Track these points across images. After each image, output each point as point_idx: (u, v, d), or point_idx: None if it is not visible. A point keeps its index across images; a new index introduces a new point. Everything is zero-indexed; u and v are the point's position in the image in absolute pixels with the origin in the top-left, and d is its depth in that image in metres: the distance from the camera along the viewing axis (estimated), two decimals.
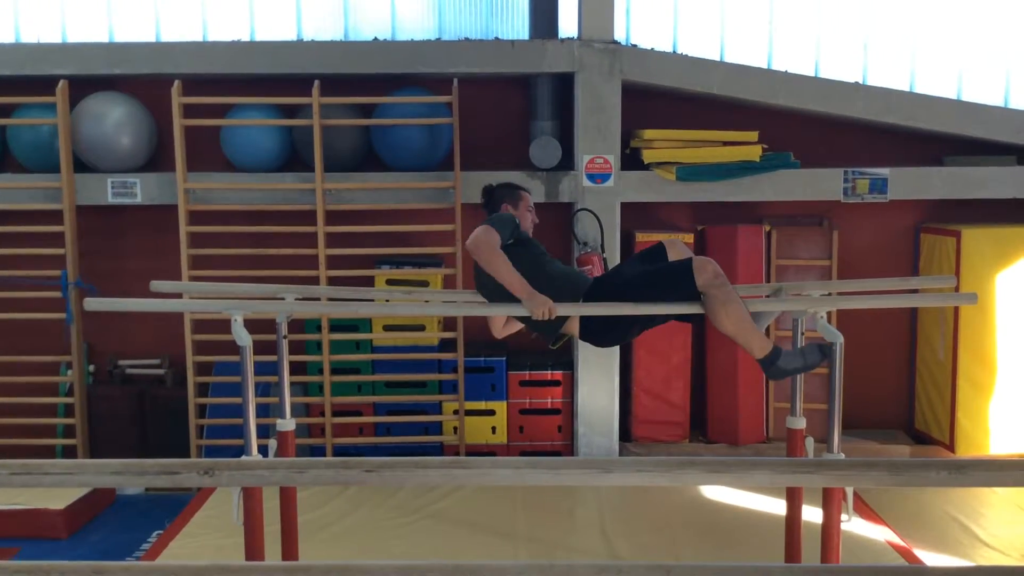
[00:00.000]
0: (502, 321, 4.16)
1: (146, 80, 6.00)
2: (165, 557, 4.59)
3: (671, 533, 4.92)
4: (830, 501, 3.71)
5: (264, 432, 5.01)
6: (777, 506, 4.80)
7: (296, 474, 2.13)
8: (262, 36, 6.22)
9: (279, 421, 4.12)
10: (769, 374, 3.79)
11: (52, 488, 5.09)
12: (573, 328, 3.90)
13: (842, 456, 3.70)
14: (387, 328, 6.01)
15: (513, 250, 3.80)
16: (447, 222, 5.89)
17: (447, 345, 6.08)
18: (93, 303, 3.80)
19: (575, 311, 3.90)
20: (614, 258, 5.80)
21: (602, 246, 5.81)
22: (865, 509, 5.07)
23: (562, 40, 5.91)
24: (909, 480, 2.00)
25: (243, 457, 3.64)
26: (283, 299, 4.02)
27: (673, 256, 4.00)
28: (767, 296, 5.17)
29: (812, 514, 3.99)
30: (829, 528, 3.74)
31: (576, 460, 2.09)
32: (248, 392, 3.71)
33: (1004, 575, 1.59)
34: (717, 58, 6.25)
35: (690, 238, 6.08)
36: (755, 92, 5.95)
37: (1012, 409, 5.98)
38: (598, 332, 3.93)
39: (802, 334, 4.14)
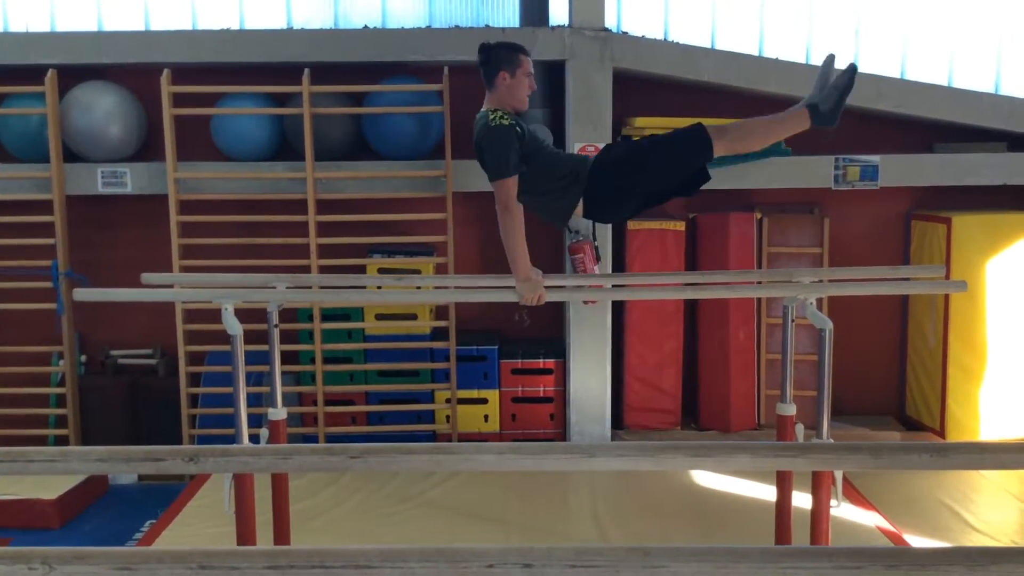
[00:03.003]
0: None
1: (135, 69, 5.98)
2: (157, 546, 4.60)
3: (663, 519, 4.94)
4: (819, 486, 3.73)
5: (257, 422, 5.02)
6: (768, 492, 4.82)
7: (281, 460, 2.13)
8: (252, 24, 6.20)
9: (271, 410, 4.13)
10: (826, 125, 3.73)
11: (45, 478, 5.11)
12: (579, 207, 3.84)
13: (830, 441, 3.71)
14: (379, 317, 6.02)
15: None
16: (438, 210, 5.89)
17: (439, 334, 6.09)
18: (83, 294, 3.80)
19: (566, 297, 3.91)
20: (605, 246, 5.80)
21: (593, 234, 5.79)
22: (855, 495, 5.09)
23: (553, 28, 5.90)
24: (891, 463, 2.01)
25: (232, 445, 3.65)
26: (274, 288, 4.02)
27: None
28: (757, 283, 5.21)
29: (803, 500, 4.02)
30: (818, 513, 3.76)
31: (559, 445, 2.10)
32: (239, 381, 3.71)
33: (985, 555, 1.60)
34: (708, 45, 6.24)
35: (681, 226, 6.08)
36: (746, 79, 5.94)
37: (1002, 396, 6.00)
38: (602, 207, 3.86)
39: (792, 321, 4.16)
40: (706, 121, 3.91)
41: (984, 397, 6.00)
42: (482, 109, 3.91)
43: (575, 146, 5.79)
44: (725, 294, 5.69)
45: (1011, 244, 5.96)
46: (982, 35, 6.37)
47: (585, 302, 5.67)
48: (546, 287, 3.78)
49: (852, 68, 3.76)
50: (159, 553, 1.69)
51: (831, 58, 3.76)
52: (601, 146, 5.73)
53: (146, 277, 4.08)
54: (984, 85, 6.34)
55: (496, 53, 3.89)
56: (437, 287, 4.74)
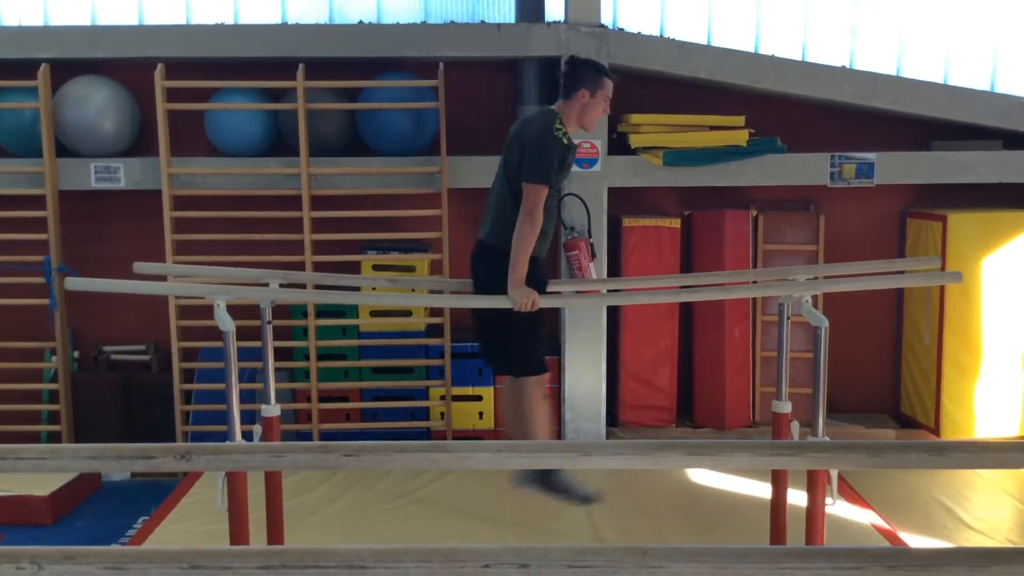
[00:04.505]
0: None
1: (129, 64, 5.95)
2: (149, 543, 4.58)
3: (658, 518, 4.92)
4: (814, 485, 3.72)
5: (250, 418, 4.99)
6: (763, 490, 4.81)
7: (274, 458, 2.12)
8: (246, 19, 6.17)
9: (264, 407, 4.10)
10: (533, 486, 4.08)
11: (37, 474, 5.08)
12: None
13: (826, 439, 3.70)
14: (374, 314, 5.99)
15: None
16: (433, 207, 5.86)
17: (434, 330, 6.07)
18: (74, 283, 3.78)
19: (561, 303, 3.94)
20: (600, 243, 5.79)
21: (589, 231, 5.76)
22: (850, 493, 5.09)
23: (549, 24, 5.88)
24: (889, 462, 2.00)
25: (225, 442, 3.63)
26: (267, 284, 3.99)
27: None
28: (753, 282, 5.20)
29: (798, 498, 4.01)
30: (813, 511, 3.75)
31: (556, 443, 2.09)
32: (231, 378, 3.69)
33: (986, 556, 1.59)
34: (704, 42, 6.22)
35: (677, 223, 6.07)
36: (742, 76, 5.93)
37: (997, 393, 6.00)
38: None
39: (788, 318, 4.14)
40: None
41: (979, 394, 6.00)
42: (549, 108, 3.93)
43: None
44: (722, 295, 5.68)
45: (1006, 242, 5.96)
46: (978, 33, 6.36)
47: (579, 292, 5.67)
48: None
49: (584, 500, 4.15)
50: (150, 553, 1.67)
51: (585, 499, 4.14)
52: (598, 144, 5.76)
53: (138, 267, 4.06)
54: (980, 83, 6.33)
55: (583, 69, 3.97)
56: (432, 291, 4.72)
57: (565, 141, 3.87)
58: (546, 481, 4.03)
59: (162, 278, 5.23)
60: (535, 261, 3.98)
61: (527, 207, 3.79)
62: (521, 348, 4.03)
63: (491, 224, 4.03)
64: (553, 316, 6.29)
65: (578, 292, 4.68)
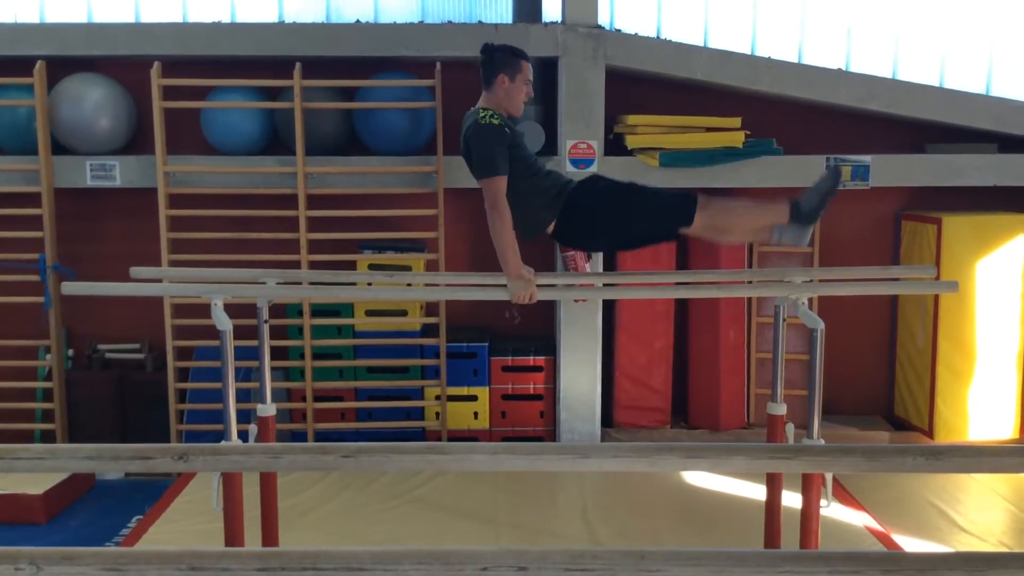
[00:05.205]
0: None
1: (125, 61, 5.94)
2: (144, 543, 4.58)
3: (652, 519, 4.93)
4: (809, 487, 3.74)
5: (245, 418, 4.99)
6: (758, 492, 4.82)
7: (272, 459, 2.11)
8: (243, 18, 6.16)
9: (259, 406, 4.10)
10: (803, 222, 3.75)
11: (31, 473, 5.06)
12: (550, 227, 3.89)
13: (821, 442, 3.71)
14: (369, 313, 5.99)
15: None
16: (430, 207, 5.86)
17: (429, 330, 6.07)
18: (70, 287, 3.77)
19: (558, 296, 3.88)
20: None
21: None
22: (844, 495, 5.10)
23: (546, 24, 5.89)
24: (885, 466, 2.00)
25: (221, 443, 3.62)
26: (264, 283, 3.99)
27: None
28: (748, 282, 5.21)
29: (792, 500, 4.02)
30: (808, 513, 3.76)
31: (554, 445, 2.09)
32: (228, 377, 3.69)
33: (983, 560, 1.60)
34: (701, 44, 6.23)
35: None
36: (738, 78, 5.94)
37: (991, 396, 6.02)
38: (573, 231, 3.91)
39: (783, 320, 4.16)
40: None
41: (972, 397, 6.01)
42: (474, 107, 3.91)
43: (567, 143, 5.78)
44: (717, 294, 5.70)
45: (1001, 245, 5.97)
46: (973, 36, 6.38)
47: (576, 300, 5.66)
48: (538, 285, 3.78)
49: (836, 172, 3.83)
50: (148, 554, 1.67)
51: (834, 171, 3.82)
52: (594, 145, 5.77)
53: (135, 271, 4.05)
54: (975, 86, 6.35)
55: (498, 55, 3.90)
56: (428, 284, 4.73)
57: (497, 121, 3.79)
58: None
59: (158, 281, 5.22)
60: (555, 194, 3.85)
61: (489, 201, 3.73)
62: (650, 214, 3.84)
63: (521, 215, 3.86)
64: (548, 316, 6.30)
65: (574, 285, 4.65)
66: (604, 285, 4.94)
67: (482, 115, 3.78)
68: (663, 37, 6.21)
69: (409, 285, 4.59)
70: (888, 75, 6.29)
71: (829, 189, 3.77)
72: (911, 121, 6.14)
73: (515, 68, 3.90)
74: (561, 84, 5.81)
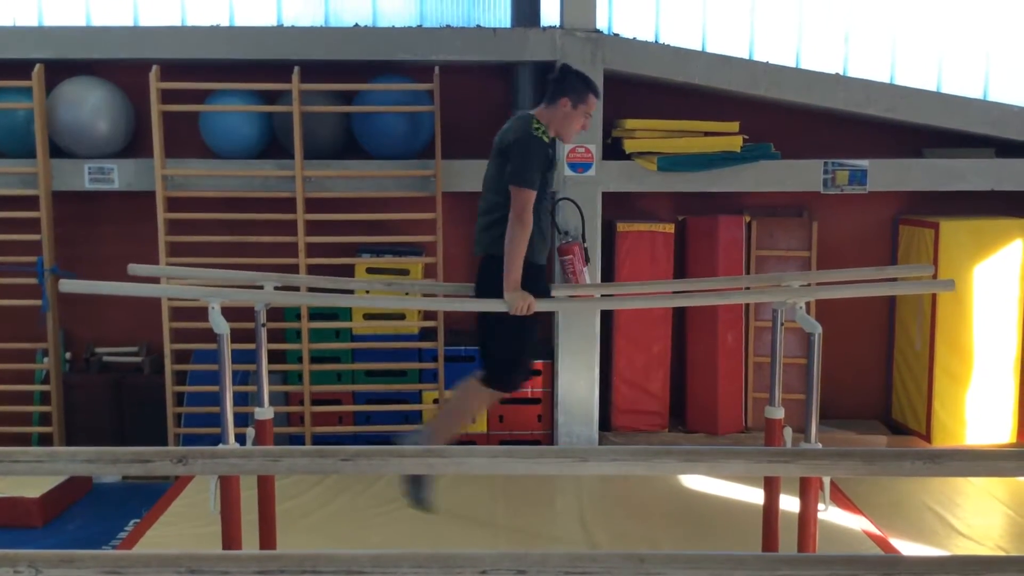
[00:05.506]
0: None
1: (124, 65, 5.94)
2: (141, 546, 4.57)
3: (650, 522, 4.93)
4: (807, 491, 3.74)
5: (243, 421, 4.99)
6: (755, 495, 4.83)
7: (271, 463, 2.11)
8: (241, 21, 6.16)
9: (257, 410, 4.10)
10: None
11: (28, 476, 5.06)
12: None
13: (819, 446, 3.72)
14: (367, 317, 5.99)
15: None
16: (428, 210, 5.86)
17: (427, 334, 6.07)
18: (68, 285, 3.77)
19: (556, 307, 3.91)
20: (594, 248, 5.80)
21: (583, 236, 5.80)
22: (842, 499, 5.10)
23: (544, 28, 5.89)
24: (884, 470, 2.01)
25: (220, 446, 3.62)
26: (261, 287, 3.99)
27: None
28: (746, 288, 5.22)
29: (790, 503, 4.02)
30: (806, 517, 3.77)
31: (553, 449, 2.09)
32: (225, 380, 3.69)
33: (980, 564, 1.60)
34: (699, 48, 6.24)
35: (671, 228, 6.08)
36: (736, 83, 5.95)
37: (988, 400, 6.03)
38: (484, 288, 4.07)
39: (781, 324, 4.16)
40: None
41: (970, 402, 6.02)
42: (527, 112, 3.90)
43: (565, 147, 5.78)
44: (716, 301, 5.69)
45: (998, 249, 5.98)
46: (971, 41, 6.39)
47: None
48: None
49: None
50: (147, 556, 1.67)
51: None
52: (592, 149, 5.77)
53: (133, 268, 4.05)
54: (973, 91, 6.36)
55: (571, 79, 3.94)
56: (425, 295, 4.73)
57: (546, 139, 3.85)
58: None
59: (156, 280, 5.22)
60: (536, 268, 3.98)
61: (516, 210, 3.79)
62: (501, 360, 4.07)
63: (492, 237, 3.99)
64: (547, 320, 6.30)
65: (572, 296, 4.69)
66: (602, 296, 4.95)
67: (536, 126, 3.81)
68: (661, 41, 6.22)
69: (407, 294, 4.60)
70: (886, 79, 6.31)
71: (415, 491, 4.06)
72: (909, 125, 6.16)
73: (581, 97, 3.93)
74: None
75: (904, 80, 6.31)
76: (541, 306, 3.86)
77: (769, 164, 5.89)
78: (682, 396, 6.31)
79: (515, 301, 3.76)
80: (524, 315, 3.85)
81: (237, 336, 4.00)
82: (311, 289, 4.66)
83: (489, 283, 3.96)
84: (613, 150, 5.95)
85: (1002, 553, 4.71)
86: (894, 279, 4.91)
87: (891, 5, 6.38)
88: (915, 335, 6.19)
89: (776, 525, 4.12)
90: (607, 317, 6.10)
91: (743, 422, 6.24)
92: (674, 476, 5.47)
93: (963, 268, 5.93)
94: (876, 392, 6.59)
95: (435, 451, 2.07)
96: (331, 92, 5.87)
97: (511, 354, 4.06)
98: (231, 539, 3.65)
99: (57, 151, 5.86)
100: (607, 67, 5.77)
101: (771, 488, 4.14)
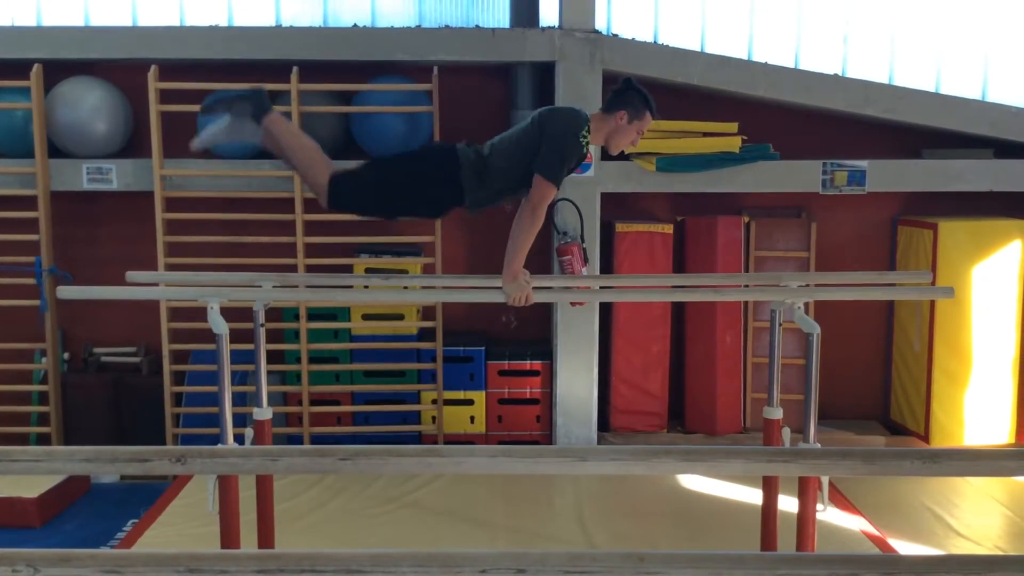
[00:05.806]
0: None
1: (122, 65, 5.93)
2: (140, 546, 4.57)
3: (648, 522, 4.93)
4: (805, 491, 3.74)
5: (241, 421, 4.98)
6: (753, 495, 4.83)
7: (270, 462, 2.11)
8: (240, 21, 6.16)
9: (256, 410, 4.09)
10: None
11: (26, 476, 5.05)
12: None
13: (818, 446, 3.71)
14: (366, 317, 5.99)
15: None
16: None
17: (426, 334, 6.07)
18: (67, 291, 3.76)
19: (553, 298, 3.85)
20: (593, 248, 5.80)
21: (582, 236, 5.80)
22: (841, 499, 5.10)
23: (543, 29, 5.89)
24: (883, 469, 2.01)
25: (218, 446, 3.62)
26: (260, 287, 3.99)
27: None
28: (745, 286, 5.22)
29: (788, 503, 4.02)
30: (804, 517, 3.77)
31: (552, 448, 2.09)
32: (224, 380, 3.68)
33: (978, 564, 1.60)
34: (698, 49, 6.24)
35: (669, 229, 6.08)
36: (735, 83, 5.95)
37: (986, 401, 6.03)
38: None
39: (779, 325, 4.16)
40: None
41: (968, 402, 6.02)
42: (585, 113, 3.82)
43: None
44: (713, 297, 5.69)
45: (996, 250, 5.99)
46: (970, 42, 6.40)
47: (573, 304, 5.66)
48: (533, 288, 3.77)
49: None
50: (146, 556, 1.67)
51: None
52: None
53: (131, 275, 4.04)
54: (972, 92, 6.36)
55: (632, 94, 3.84)
56: (424, 287, 4.73)
57: (584, 150, 3.77)
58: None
59: (154, 285, 5.21)
60: (468, 174, 3.75)
61: (534, 200, 3.67)
62: (363, 182, 3.78)
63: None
64: (544, 320, 6.30)
65: (569, 288, 4.66)
66: (600, 288, 4.94)
67: (584, 134, 3.71)
68: (660, 42, 6.22)
69: (405, 288, 4.59)
70: (884, 80, 6.31)
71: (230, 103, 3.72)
72: (907, 126, 6.16)
73: (638, 114, 3.84)
74: (558, 88, 5.81)
75: (903, 81, 6.32)
76: (538, 297, 3.82)
77: (768, 165, 5.89)
78: (681, 397, 6.31)
79: (514, 291, 3.74)
80: (521, 305, 3.76)
81: (236, 336, 3.99)
82: (309, 286, 4.65)
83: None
84: None
85: (1001, 553, 4.71)
86: (893, 285, 4.90)
87: (890, 6, 6.38)
88: (914, 336, 6.20)
89: (775, 525, 4.12)
90: (606, 318, 6.10)
91: (742, 422, 6.24)
92: (672, 477, 5.47)
93: (962, 269, 5.93)
94: (875, 393, 6.59)
95: (434, 450, 2.06)
96: (330, 92, 5.87)
97: (372, 187, 3.79)
98: (230, 539, 3.64)
99: (55, 151, 5.86)
100: (606, 67, 5.77)
101: (770, 488, 4.14)
